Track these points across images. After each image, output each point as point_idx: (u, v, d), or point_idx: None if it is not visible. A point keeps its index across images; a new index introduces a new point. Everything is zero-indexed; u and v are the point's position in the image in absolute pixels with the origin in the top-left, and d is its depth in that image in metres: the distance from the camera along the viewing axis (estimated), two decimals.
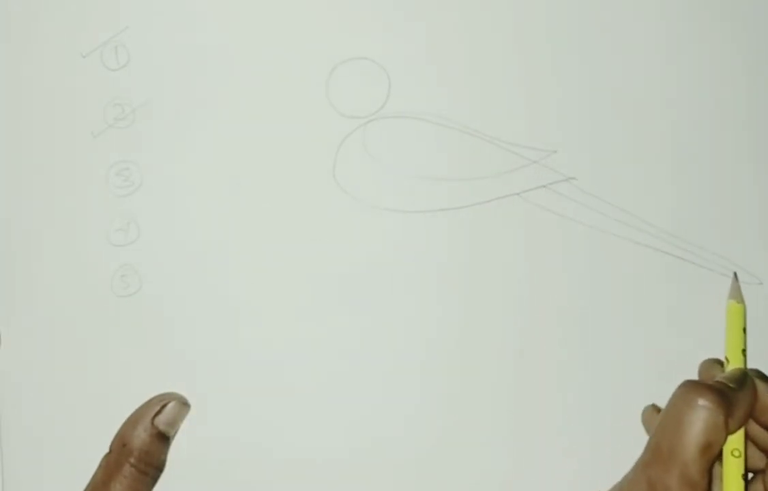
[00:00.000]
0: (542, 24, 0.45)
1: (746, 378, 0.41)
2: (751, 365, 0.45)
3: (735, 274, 0.45)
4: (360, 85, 0.45)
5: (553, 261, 0.45)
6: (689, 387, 0.39)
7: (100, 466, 0.41)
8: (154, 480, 0.42)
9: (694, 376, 0.45)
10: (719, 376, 0.41)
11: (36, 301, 0.44)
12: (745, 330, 0.43)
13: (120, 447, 0.41)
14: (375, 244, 0.45)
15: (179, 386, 0.44)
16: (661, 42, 0.46)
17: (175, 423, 0.42)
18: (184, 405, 0.43)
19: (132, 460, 0.41)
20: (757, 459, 0.43)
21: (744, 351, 0.42)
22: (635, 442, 0.45)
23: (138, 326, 0.44)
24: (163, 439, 0.42)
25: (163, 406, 0.42)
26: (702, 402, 0.38)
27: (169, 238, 0.44)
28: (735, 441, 0.40)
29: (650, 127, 0.46)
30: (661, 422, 0.39)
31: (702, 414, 0.38)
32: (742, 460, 0.41)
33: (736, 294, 0.44)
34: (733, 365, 0.42)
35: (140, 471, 0.41)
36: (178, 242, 0.44)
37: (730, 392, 0.39)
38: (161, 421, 0.42)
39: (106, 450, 0.42)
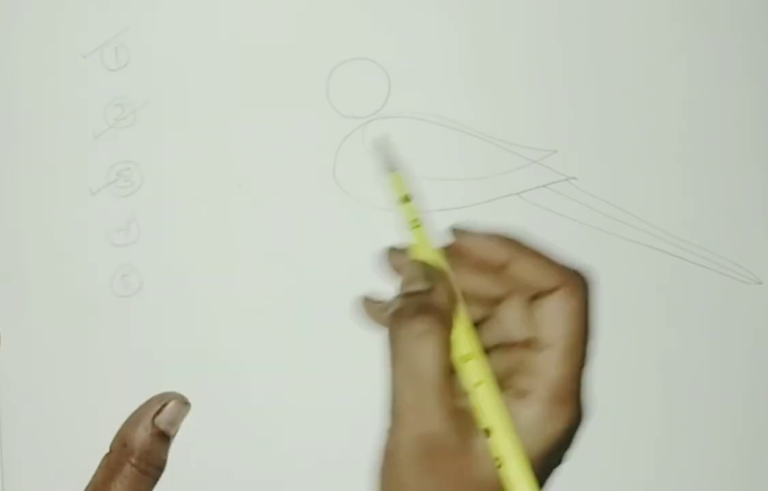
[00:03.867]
0: (543, 24, 0.46)
1: (426, 268, 0.38)
2: (751, 366, 0.45)
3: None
4: (360, 85, 0.45)
5: None
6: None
7: (100, 466, 0.41)
8: (155, 479, 0.41)
9: (694, 376, 0.45)
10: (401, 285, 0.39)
11: (36, 301, 0.44)
12: (408, 198, 0.41)
13: (120, 446, 0.41)
14: (375, 243, 0.45)
15: (179, 386, 0.44)
16: (662, 41, 0.46)
17: (175, 422, 0.42)
18: (184, 404, 0.43)
19: (133, 460, 0.41)
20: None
21: (416, 220, 0.40)
22: (635, 442, 0.45)
23: (138, 326, 0.44)
24: (164, 438, 0.42)
25: (164, 406, 0.42)
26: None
27: (169, 238, 0.44)
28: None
29: (650, 127, 0.46)
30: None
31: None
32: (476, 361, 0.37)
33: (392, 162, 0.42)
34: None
35: (141, 470, 0.41)
36: (178, 242, 0.44)
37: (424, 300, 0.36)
38: (162, 420, 0.42)
39: (106, 450, 0.42)
